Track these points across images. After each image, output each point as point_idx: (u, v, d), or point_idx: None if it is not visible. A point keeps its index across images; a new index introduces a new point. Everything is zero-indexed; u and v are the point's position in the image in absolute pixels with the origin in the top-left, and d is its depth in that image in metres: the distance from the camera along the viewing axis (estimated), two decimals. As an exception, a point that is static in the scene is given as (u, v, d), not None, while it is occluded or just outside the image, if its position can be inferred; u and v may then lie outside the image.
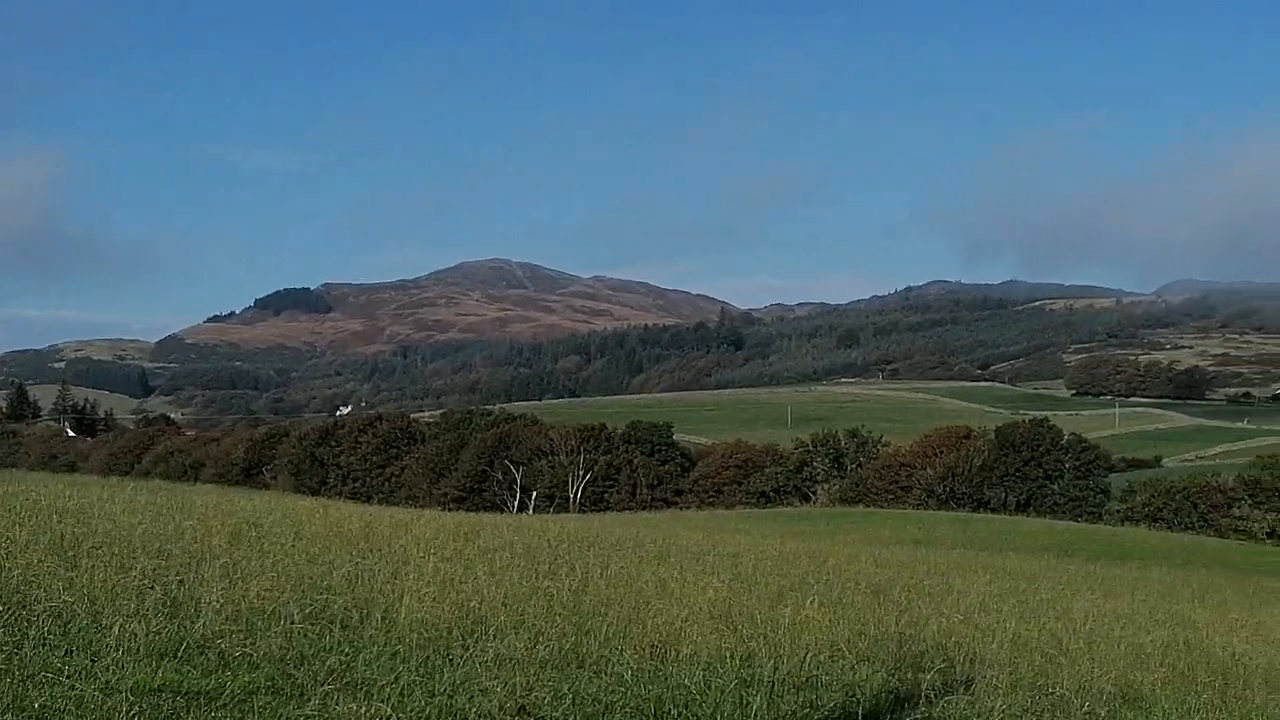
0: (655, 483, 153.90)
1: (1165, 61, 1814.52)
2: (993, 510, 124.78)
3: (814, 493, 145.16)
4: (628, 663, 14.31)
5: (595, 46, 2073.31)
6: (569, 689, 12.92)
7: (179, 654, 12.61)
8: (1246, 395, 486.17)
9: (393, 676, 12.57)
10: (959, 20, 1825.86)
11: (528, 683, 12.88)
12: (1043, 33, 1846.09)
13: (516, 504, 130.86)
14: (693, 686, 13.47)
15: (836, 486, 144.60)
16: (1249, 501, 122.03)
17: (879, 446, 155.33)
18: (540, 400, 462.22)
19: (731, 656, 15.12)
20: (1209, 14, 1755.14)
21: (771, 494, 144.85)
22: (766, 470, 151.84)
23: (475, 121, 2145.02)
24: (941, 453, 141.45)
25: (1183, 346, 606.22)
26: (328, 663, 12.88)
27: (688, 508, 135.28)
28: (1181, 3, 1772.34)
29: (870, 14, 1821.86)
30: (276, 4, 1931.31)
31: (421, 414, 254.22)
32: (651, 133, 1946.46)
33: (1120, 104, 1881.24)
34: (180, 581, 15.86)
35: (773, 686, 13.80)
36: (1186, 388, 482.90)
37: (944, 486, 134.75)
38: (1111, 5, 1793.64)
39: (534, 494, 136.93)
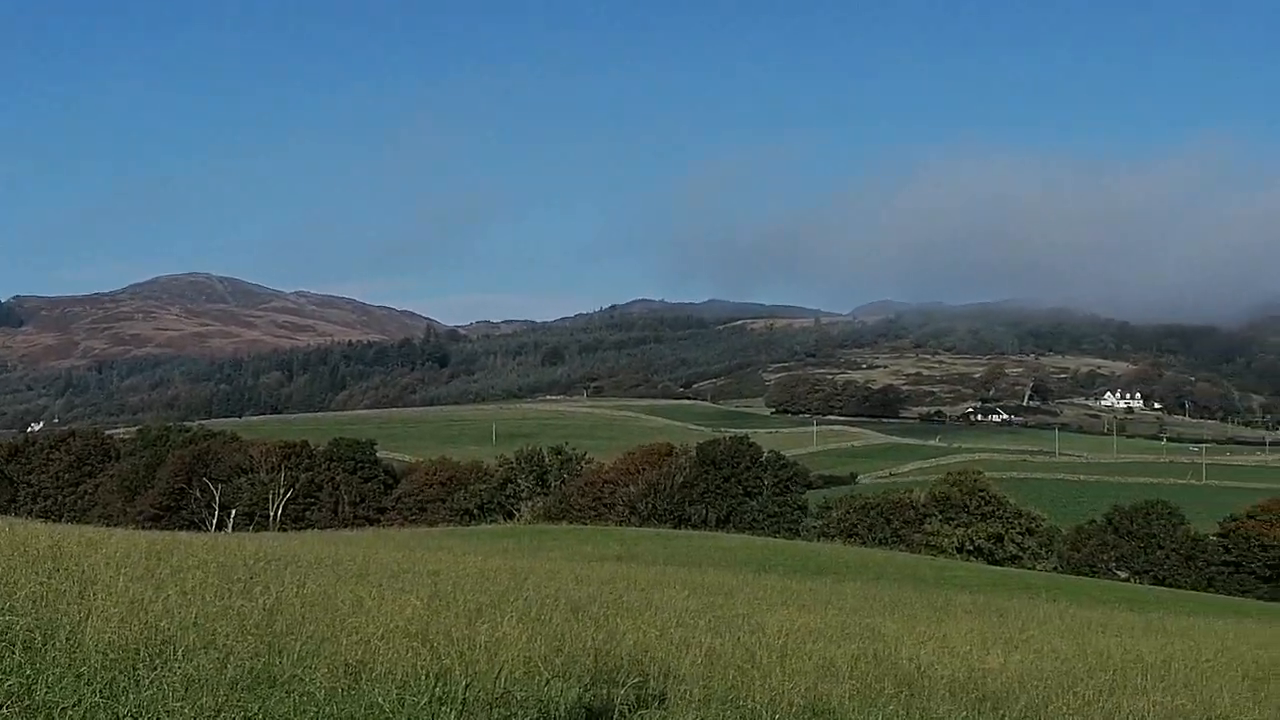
0: (358, 500, 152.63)
1: (858, 85, 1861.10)
2: (694, 526, 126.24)
3: (518, 509, 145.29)
4: (320, 682, 14.10)
5: (294, 57, 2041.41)
6: (259, 709, 12.69)
7: None
8: (938, 414, 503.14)
9: (75, 699, 12.18)
10: (652, 42, 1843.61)
11: (216, 704, 12.61)
12: (739, 56, 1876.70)
13: (215, 522, 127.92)
14: (386, 705, 13.35)
15: (540, 503, 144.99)
16: (939, 517, 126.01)
17: (583, 463, 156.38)
18: (241, 417, 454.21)
19: (426, 674, 15.01)
20: (900, 37, 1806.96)
21: (476, 511, 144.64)
22: (471, 487, 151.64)
23: (171, 132, 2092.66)
24: (644, 470, 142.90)
25: (878, 366, 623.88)
26: (6, 685, 12.42)
27: (391, 525, 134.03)
28: (873, 28, 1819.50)
29: (568, 34, 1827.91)
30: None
31: (117, 430, 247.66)
32: (353, 146, 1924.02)
33: (816, 126, 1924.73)
34: None
35: (464, 704, 13.77)
36: (881, 406, 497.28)
37: (646, 503, 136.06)
38: (804, 27, 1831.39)
39: (233, 512, 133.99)
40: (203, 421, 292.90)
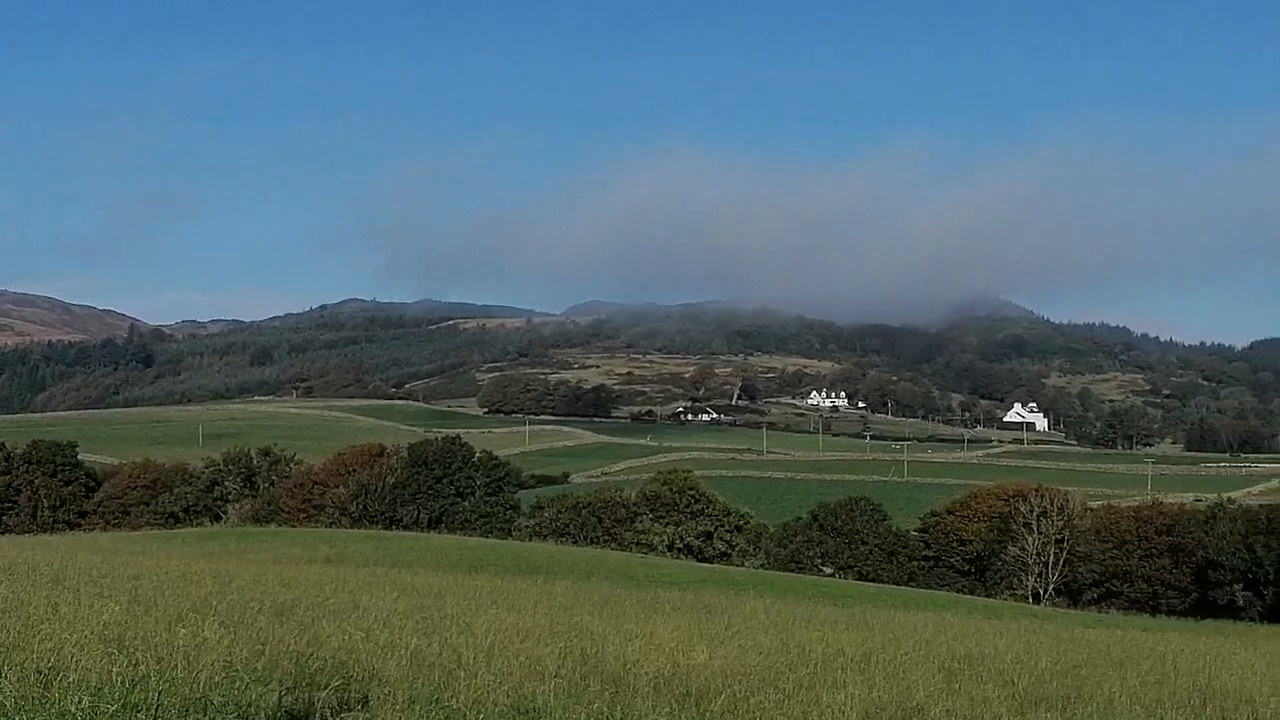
0: (58, 504, 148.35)
1: (560, 83, 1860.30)
2: (406, 527, 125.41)
3: (225, 512, 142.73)
4: (9, 690, 13.67)
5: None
6: (-60, 721, 12.25)
7: None
8: (649, 413, 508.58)
9: None
10: (350, 34, 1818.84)
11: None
12: (441, 51, 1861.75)
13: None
14: (77, 713, 13.01)
15: (248, 505, 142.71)
16: (650, 515, 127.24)
17: (292, 465, 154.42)
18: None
19: (121, 681, 14.65)
20: (599, 35, 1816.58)
21: (181, 514, 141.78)
22: (176, 490, 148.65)
23: None
24: (355, 471, 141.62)
25: (590, 366, 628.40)
26: None
27: (92, 529, 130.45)
28: (569, 27, 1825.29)
29: (266, 25, 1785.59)
30: None
31: None
32: (45, 137, 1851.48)
33: (521, 124, 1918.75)
34: None
35: (159, 709, 13.47)
36: (593, 406, 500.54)
37: (357, 504, 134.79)
38: (504, 21, 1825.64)
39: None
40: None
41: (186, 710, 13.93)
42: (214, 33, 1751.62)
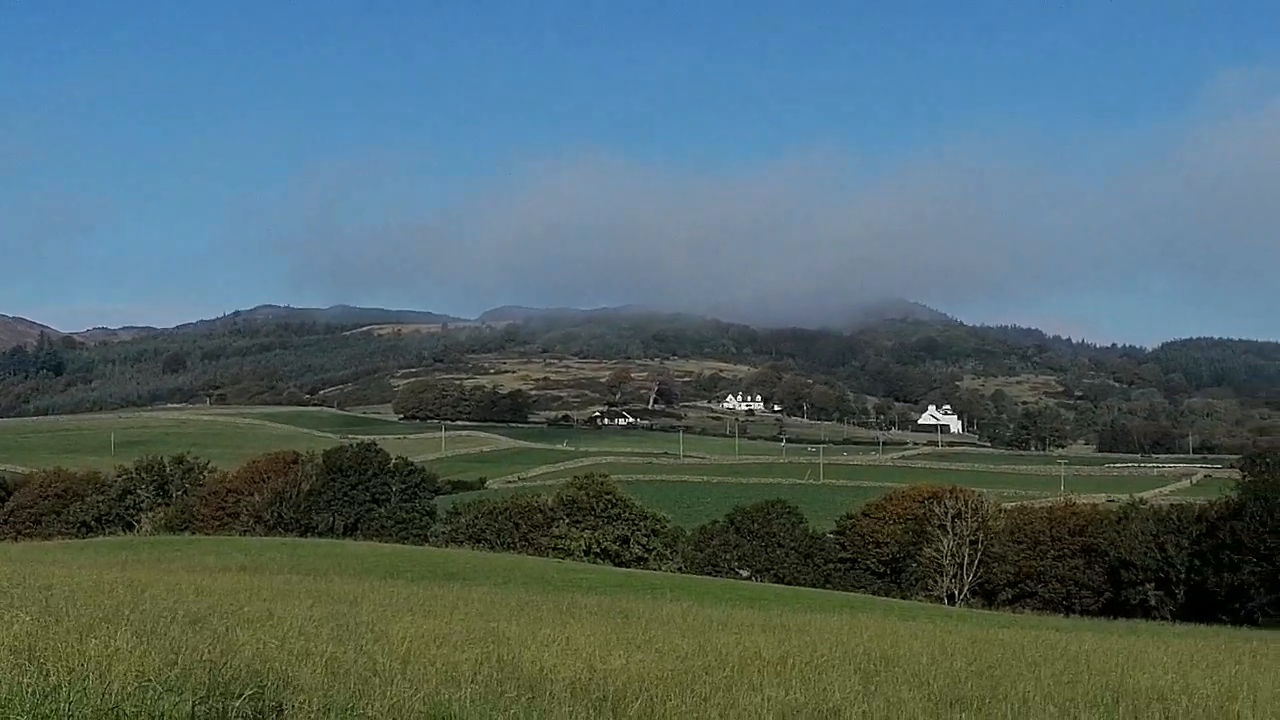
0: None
1: (468, 88, 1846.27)
2: (321, 534, 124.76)
3: (138, 521, 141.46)
4: (-89, 706, 13.50)
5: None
6: None
7: None
8: (565, 418, 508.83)
9: None
10: (272, 35, 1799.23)
11: None
12: (347, 56, 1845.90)
13: None
14: (-14, 726, 12.85)
15: (162, 514, 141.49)
16: (567, 520, 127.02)
17: (206, 473, 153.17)
18: None
19: (32, 692, 14.49)
20: (511, 38, 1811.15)
21: (94, 523, 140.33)
22: (88, 499, 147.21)
23: None
24: (269, 478, 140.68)
25: (506, 371, 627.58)
26: None
27: (2, 539, 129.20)
28: (477, 30, 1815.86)
29: (175, 30, 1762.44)
30: None
31: None
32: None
33: (434, 133, 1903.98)
34: None
35: (70, 720, 13.35)
36: (509, 411, 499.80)
37: (272, 512, 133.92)
38: (408, 27, 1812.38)
39: None
40: None
41: (98, 720, 13.82)
42: (126, 37, 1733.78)
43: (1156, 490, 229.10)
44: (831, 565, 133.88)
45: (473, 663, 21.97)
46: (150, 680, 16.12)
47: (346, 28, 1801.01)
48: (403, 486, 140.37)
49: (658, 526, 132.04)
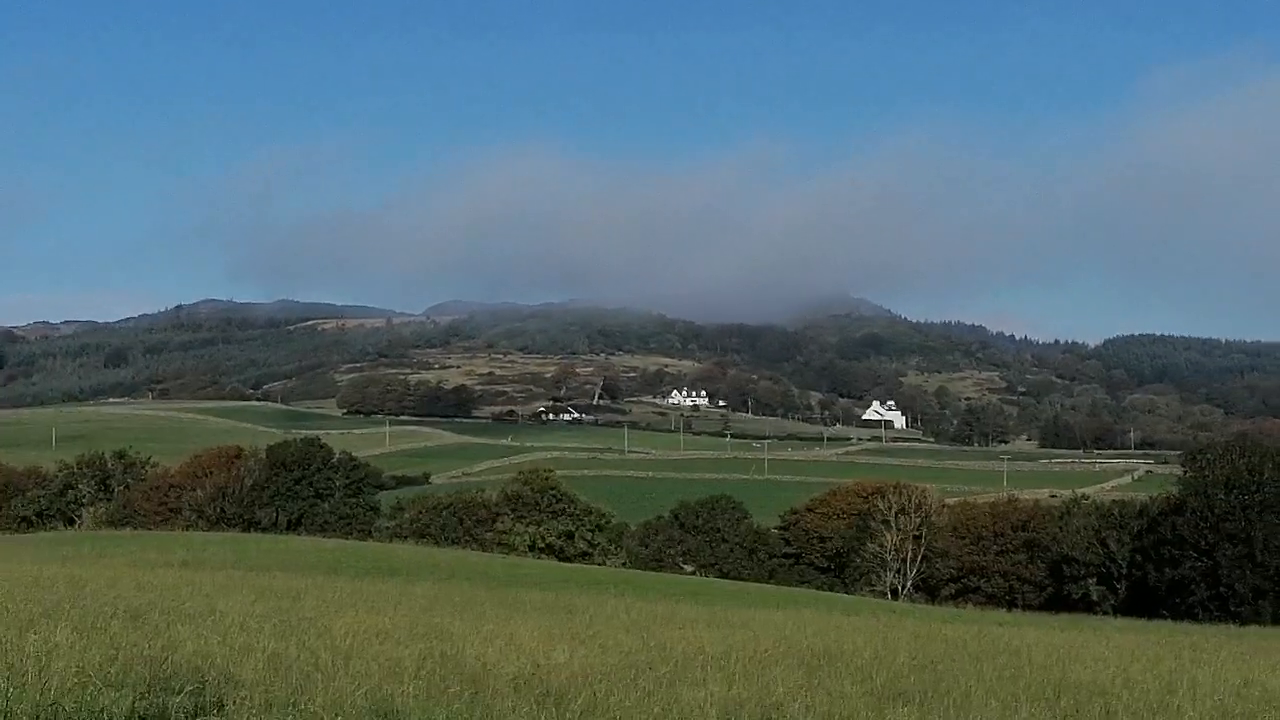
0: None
1: (410, 80, 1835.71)
2: (264, 530, 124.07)
3: (79, 516, 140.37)
4: None
5: None
6: None
7: None
8: (510, 413, 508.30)
9: None
10: (207, 22, 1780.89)
11: None
12: (282, 45, 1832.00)
13: None
14: (-77, 723, 12.74)
15: (103, 509, 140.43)
16: (511, 516, 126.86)
17: (148, 468, 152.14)
18: None
19: (-30, 689, 14.38)
20: (441, 32, 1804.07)
21: (34, 518, 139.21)
22: (28, 494, 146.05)
23: None
24: (212, 473, 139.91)
25: (450, 366, 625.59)
26: None
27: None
28: (425, 21, 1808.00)
29: (117, 17, 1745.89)
30: None
31: None
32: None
33: (372, 124, 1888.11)
34: None
35: (8, 717, 13.24)
36: (454, 406, 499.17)
37: (215, 507, 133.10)
38: (350, 16, 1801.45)
39: None
40: None
41: (38, 717, 13.72)
42: (62, 26, 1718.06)
43: (1099, 486, 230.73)
44: (776, 561, 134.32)
45: (416, 658, 21.93)
46: (90, 676, 16.04)
47: (285, 15, 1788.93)
48: (347, 482, 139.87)
49: (602, 522, 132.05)
